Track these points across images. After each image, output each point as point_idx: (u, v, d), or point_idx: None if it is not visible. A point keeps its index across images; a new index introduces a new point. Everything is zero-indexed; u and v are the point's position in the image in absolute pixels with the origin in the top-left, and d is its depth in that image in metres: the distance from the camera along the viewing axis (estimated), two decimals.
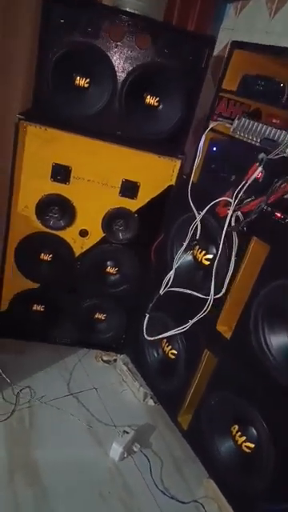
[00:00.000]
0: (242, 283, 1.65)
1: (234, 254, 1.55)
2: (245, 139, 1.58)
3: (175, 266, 1.77)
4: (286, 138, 1.34)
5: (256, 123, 1.55)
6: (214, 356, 1.78)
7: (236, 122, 1.60)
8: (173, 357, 2.05)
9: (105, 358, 2.40)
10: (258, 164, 1.32)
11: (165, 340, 2.10)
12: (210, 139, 1.67)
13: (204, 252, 1.82)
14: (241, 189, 1.37)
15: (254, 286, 1.56)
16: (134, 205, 2.01)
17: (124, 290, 2.19)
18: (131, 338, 2.33)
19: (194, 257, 1.88)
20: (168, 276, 1.79)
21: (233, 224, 1.46)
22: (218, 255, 1.56)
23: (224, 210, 1.46)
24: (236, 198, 1.39)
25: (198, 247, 1.85)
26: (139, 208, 2.02)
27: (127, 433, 1.89)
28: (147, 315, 1.91)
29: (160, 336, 1.89)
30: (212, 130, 1.63)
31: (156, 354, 2.18)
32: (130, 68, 1.76)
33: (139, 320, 2.13)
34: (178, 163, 1.93)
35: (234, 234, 1.50)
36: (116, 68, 1.76)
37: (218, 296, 1.63)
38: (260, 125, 1.53)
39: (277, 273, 1.46)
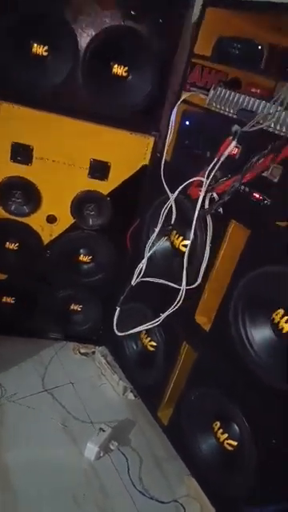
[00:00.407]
0: (220, 271, 1.51)
1: (209, 239, 1.41)
2: (221, 111, 1.41)
3: (147, 254, 1.63)
4: (264, 108, 1.18)
5: (234, 93, 1.38)
6: (193, 349, 1.66)
7: (212, 92, 1.43)
8: (152, 349, 1.94)
9: (82, 351, 2.28)
10: (231, 138, 1.17)
11: (144, 331, 1.98)
12: (182, 112, 1.50)
13: (181, 238, 1.68)
14: (213, 167, 1.21)
15: (233, 275, 1.43)
16: (105, 187, 1.85)
17: (99, 280, 2.05)
18: (109, 329, 2.20)
19: (172, 243, 1.74)
20: (140, 265, 1.64)
21: (206, 206, 1.30)
22: (190, 241, 1.41)
23: (196, 191, 1.31)
24: (209, 177, 1.23)
25: (175, 232, 1.71)
26: (112, 191, 1.86)
27: (103, 430, 1.79)
28: (118, 308, 1.77)
29: (131, 331, 1.76)
30: (185, 101, 1.46)
31: (135, 346, 2.06)
32: (94, 33, 1.57)
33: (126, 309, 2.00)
34: (152, 140, 1.76)
35: (209, 218, 1.36)
36: (77, 33, 1.56)
37: (192, 287, 1.50)
38: (238, 95, 1.37)
39: (258, 260, 1.33)
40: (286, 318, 1.29)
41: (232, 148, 1.18)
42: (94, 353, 2.29)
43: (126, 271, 1.92)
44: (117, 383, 2.10)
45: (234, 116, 1.35)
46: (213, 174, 1.22)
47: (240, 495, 1.47)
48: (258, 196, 1.18)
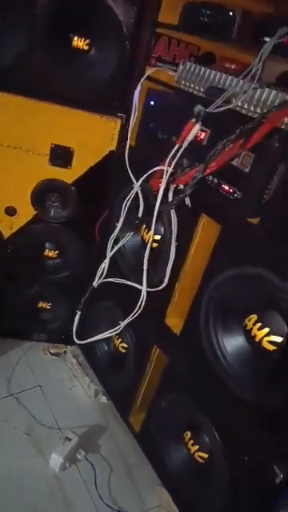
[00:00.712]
0: (191, 270, 1.37)
1: (174, 236, 1.26)
2: (191, 90, 1.24)
3: (109, 252, 1.47)
4: (234, 85, 1.02)
5: (205, 69, 1.21)
6: (163, 353, 1.53)
7: (181, 67, 1.26)
8: (123, 351, 1.80)
9: (53, 351, 2.14)
10: (194, 121, 1.01)
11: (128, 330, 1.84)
12: (147, 91, 1.33)
13: (147, 231, 1.52)
14: (175, 154, 1.05)
15: (203, 275, 1.29)
16: (69, 175, 1.68)
17: (67, 277, 1.90)
18: (81, 327, 2.07)
19: (142, 238, 1.59)
20: (102, 265, 1.49)
21: (171, 199, 1.15)
22: (151, 237, 1.26)
23: (157, 182, 1.15)
24: (170, 166, 1.08)
25: (144, 226, 1.55)
26: (76, 179, 1.69)
27: (69, 439, 1.66)
28: (78, 312, 1.63)
29: (91, 339, 1.62)
30: (150, 78, 1.29)
31: (106, 347, 1.93)
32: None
33: (88, 308, 1.86)
34: (119, 123, 1.58)
35: (173, 213, 1.21)
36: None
37: (157, 289, 1.36)
38: (210, 71, 1.20)
39: (228, 260, 1.18)
40: (258, 324, 1.15)
41: (196, 132, 1.01)
42: (65, 353, 2.16)
43: (96, 267, 1.77)
44: (88, 386, 1.98)
45: (204, 95, 1.19)
46: (174, 162, 1.07)
47: (212, 509, 1.36)
48: (227, 188, 1.03)
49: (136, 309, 1.39)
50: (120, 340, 1.81)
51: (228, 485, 1.28)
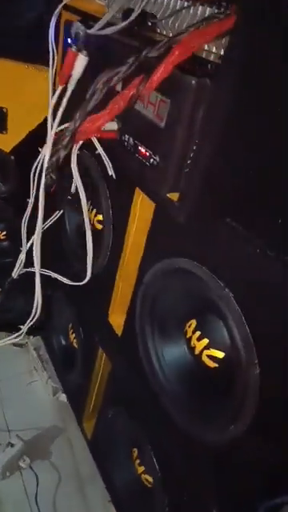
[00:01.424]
0: (132, 259, 1.09)
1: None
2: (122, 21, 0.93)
3: (26, 243, 1.22)
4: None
5: None
6: (107, 356, 1.28)
7: None
8: (77, 347, 1.57)
9: (13, 341, 1.94)
10: (74, 48, 0.71)
11: (71, 325, 1.61)
12: (65, 25, 1.02)
13: (94, 211, 1.25)
14: (59, 101, 0.76)
15: (139, 267, 1.01)
16: (5, 142, 1.41)
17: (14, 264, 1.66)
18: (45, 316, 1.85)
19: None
20: (20, 256, 1.24)
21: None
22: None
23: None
24: (56, 120, 0.79)
25: (89, 204, 1.28)
26: (15, 146, 1.42)
27: (12, 446, 1.47)
28: None
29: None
30: (69, 8, 0.98)
31: (64, 341, 1.70)
32: None
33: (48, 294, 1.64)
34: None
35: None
36: None
37: (81, 283, 1.10)
38: None
39: (161, 249, 0.90)
40: (198, 333, 0.88)
41: (83, 65, 0.72)
42: (27, 344, 1.96)
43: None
44: (46, 382, 1.78)
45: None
46: (60, 113, 0.78)
47: None
48: (144, 152, 0.74)
49: (34, 312, 1.14)
50: (74, 335, 1.57)
51: None
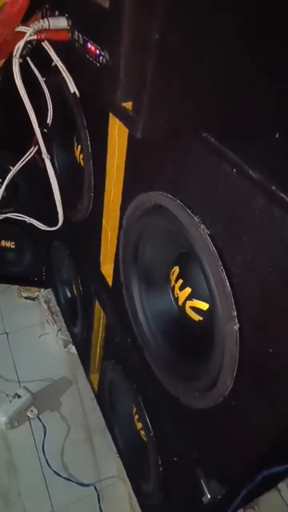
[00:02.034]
0: (115, 199, 0.95)
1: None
2: None
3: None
4: None
5: None
6: (101, 308, 1.19)
7: None
8: (78, 299, 1.49)
9: (24, 295, 1.91)
10: None
11: (74, 275, 1.52)
12: None
13: (79, 146, 1.11)
14: None
15: (120, 207, 0.88)
16: None
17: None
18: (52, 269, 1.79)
19: (73, 154, 1.18)
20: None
21: None
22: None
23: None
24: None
25: (74, 139, 1.14)
26: None
27: (19, 396, 1.47)
28: None
29: None
30: None
31: (69, 294, 1.64)
32: None
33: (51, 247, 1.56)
34: None
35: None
36: None
37: (53, 228, 0.98)
38: None
39: (138, 182, 0.75)
40: (180, 281, 0.74)
41: None
42: (38, 297, 1.92)
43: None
44: (56, 335, 1.74)
45: None
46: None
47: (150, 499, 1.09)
48: (93, 48, 0.57)
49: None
50: (75, 286, 1.49)
51: (160, 485, 0.98)
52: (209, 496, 0.77)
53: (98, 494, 1.31)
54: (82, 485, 1.35)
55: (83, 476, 1.38)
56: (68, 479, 1.36)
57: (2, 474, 1.36)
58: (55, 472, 1.36)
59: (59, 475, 1.36)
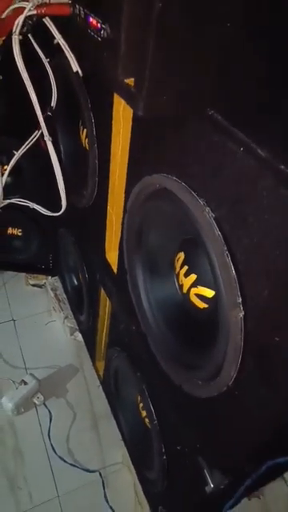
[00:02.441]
0: (119, 184, 0.93)
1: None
2: None
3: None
4: None
5: None
6: (107, 296, 1.18)
7: None
8: (84, 287, 1.49)
9: (31, 282, 1.91)
10: None
11: (80, 263, 1.51)
12: None
13: (85, 130, 1.08)
14: None
15: (125, 192, 0.85)
16: None
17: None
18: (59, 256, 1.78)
19: (79, 138, 1.16)
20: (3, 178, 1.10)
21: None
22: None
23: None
24: None
25: (80, 123, 1.11)
26: None
27: (25, 383, 1.48)
28: None
29: None
30: None
31: (75, 282, 1.63)
32: None
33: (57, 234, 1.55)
34: None
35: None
36: None
37: (56, 214, 0.96)
38: None
39: (143, 166, 0.73)
40: (185, 267, 0.72)
41: None
42: (45, 284, 1.92)
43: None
44: (63, 322, 1.74)
45: None
46: None
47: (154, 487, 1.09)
48: (94, 22, 0.55)
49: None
50: (81, 274, 1.48)
51: (164, 473, 0.98)
52: (211, 485, 0.76)
53: (103, 480, 1.32)
54: (88, 471, 1.36)
55: (88, 462, 1.39)
56: (73, 465, 1.36)
57: (9, 460, 1.37)
58: (61, 458, 1.37)
59: (65, 461, 1.37)
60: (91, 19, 0.56)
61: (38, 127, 0.98)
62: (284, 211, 0.44)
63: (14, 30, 0.66)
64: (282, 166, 0.44)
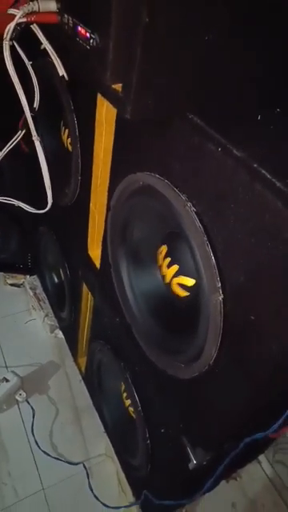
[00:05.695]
0: (102, 181, 0.98)
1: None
2: None
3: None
4: None
5: None
6: (89, 290, 1.22)
7: None
8: (65, 283, 1.52)
9: (10, 282, 1.92)
10: None
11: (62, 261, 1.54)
12: None
13: (67, 131, 1.12)
14: None
15: (108, 189, 0.90)
16: None
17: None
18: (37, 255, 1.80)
19: (60, 140, 1.19)
20: None
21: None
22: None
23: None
24: None
25: (62, 124, 1.15)
26: None
27: (7, 380, 1.49)
28: None
29: None
30: None
31: (56, 279, 1.65)
32: None
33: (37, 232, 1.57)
34: None
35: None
36: None
37: (42, 210, 1.00)
38: None
39: (127, 163, 0.78)
40: (168, 259, 0.78)
41: None
42: (24, 284, 1.93)
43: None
44: (43, 320, 1.76)
45: None
46: None
47: (139, 475, 1.14)
48: (83, 31, 0.59)
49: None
50: (62, 271, 1.51)
51: (147, 457, 1.03)
52: (194, 462, 0.82)
53: (87, 472, 1.35)
54: (71, 463, 1.39)
55: (72, 455, 1.42)
56: (57, 458, 1.39)
57: None
58: (44, 452, 1.39)
59: (48, 455, 1.39)
60: (80, 28, 0.60)
61: (22, 127, 1.01)
62: (258, 205, 0.50)
63: (4, 37, 0.69)
64: (256, 165, 0.50)
